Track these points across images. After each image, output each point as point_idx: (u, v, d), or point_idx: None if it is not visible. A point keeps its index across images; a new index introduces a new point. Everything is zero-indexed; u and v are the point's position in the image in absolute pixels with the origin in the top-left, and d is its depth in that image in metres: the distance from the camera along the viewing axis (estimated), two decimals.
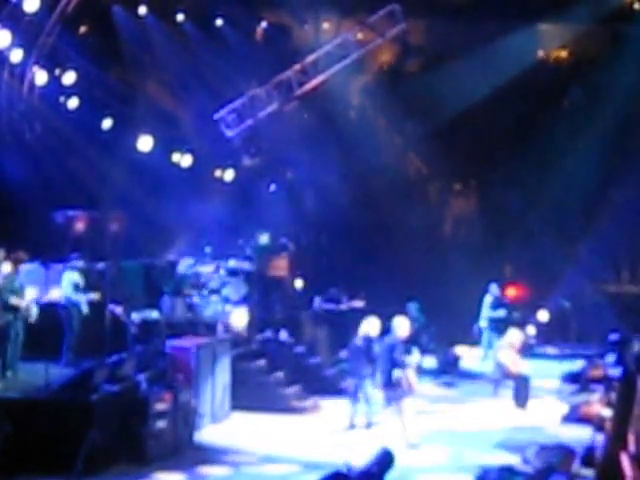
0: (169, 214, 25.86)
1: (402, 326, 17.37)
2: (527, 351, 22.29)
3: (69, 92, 24.13)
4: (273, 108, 28.70)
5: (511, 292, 28.29)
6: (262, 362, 20.98)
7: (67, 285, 18.82)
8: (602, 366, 20.45)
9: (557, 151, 29.83)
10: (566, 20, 29.91)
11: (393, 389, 17.07)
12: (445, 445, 17.38)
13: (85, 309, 18.80)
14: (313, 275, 26.24)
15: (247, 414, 19.54)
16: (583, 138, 29.08)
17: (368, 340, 18.47)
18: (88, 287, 19.01)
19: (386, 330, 17.80)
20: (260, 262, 23.99)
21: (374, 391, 18.45)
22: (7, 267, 17.54)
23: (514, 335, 21.22)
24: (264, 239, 24.37)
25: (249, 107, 28.52)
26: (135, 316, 19.70)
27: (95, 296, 18.89)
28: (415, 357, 17.44)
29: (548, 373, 23.44)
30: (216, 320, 20.79)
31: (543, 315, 27.37)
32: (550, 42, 31.90)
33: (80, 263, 19.17)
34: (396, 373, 16.99)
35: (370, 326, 18.65)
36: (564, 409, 19.55)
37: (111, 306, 18.56)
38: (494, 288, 25.36)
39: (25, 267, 18.83)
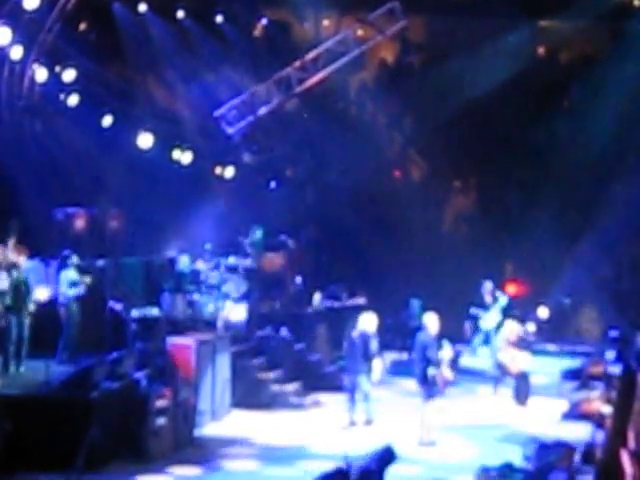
0: (169, 211, 25.84)
1: (433, 322, 17.39)
2: (527, 348, 22.25)
3: (69, 89, 24.09)
4: (273, 105, 28.66)
5: (511, 289, 28.28)
6: (262, 359, 21.00)
7: (64, 283, 18.81)
8: (602, 363, 20.46)
9: (557, 148, 29.80)
10: (566, 17, 29.86)
11: (428, 387, 17.13)
12: (445, 442, 17.39)
13: (81, 291, 18.77)
14: (313, 272, 26.23)
15: (247, 411, 19.56)
16: (583, 136, 29.05)
17: (365, 336, 18.46)
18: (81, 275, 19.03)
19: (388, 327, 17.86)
20: (260, 259, 24.00)
21: (370, 387, 18.46)
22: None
23: (509, 328, 21.22)
24: (258, 234, 24.37)
25: (249, 104, 28.48)
26: (135, 313, 19.69)
27: (87, 280, 18.85)
28: (447, 352, 17.47)
29: (548, 370, 23.45)
30: (216, 317, 20.79)
31: (543, 312, 27.35)
32: (550, 39, 31.86)
33: (74, 259, 19.08)
34: (430, 371, 17.04)
35: (367, 322, 18.64)
36: (564, 406, 19.55)
37: (111, 303, 18.56)
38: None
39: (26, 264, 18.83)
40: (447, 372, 17.36)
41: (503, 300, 24.52)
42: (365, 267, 28.84)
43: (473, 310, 24.49)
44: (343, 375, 19.87)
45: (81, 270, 19.07)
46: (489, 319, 24.36)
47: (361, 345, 18.38)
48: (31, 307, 17.83)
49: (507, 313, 23.66)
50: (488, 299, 24.99)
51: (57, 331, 18.60)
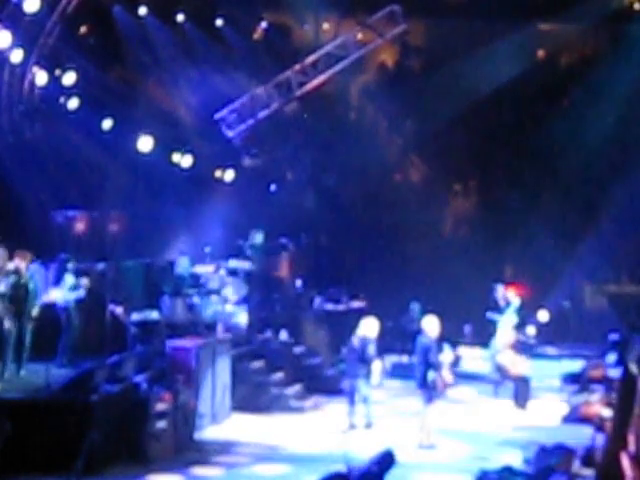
0: (169, 214, 25.86)
1: (433, 326, 17.38)
2: (527, 351, 22.25)
3: (69, 92, 24.12)
4: (273, 108, 28.70)
5: (511, 292, 28.22)
6: (262, 362, 20.98)
7: (65, 288, 18.81)
8: (602, 366, 20.47)
9: (557, 151, 29.82)
10: (566, 20, 29.90)
11: (428, 390, 17.13)
12: (445, 445, 17.38)
13: (82, 294, 18.76)
14: (313, 275, 26.23)
15: (247, 414, 19.55)
16: (583, 138, 29.06)
17: (364, 340, 18.44)
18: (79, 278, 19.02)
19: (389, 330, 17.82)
20: (260, 262, 24.00)
21: (369, 391, 18.43)
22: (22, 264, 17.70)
23: (507, 335, 21.22)
24: (259, 238, 24.37)
25: (249, 107, 28.52)
26: (135, 316, 19.70)
27: (85, 282, 18.84)
28: (447, 355, 17.46)
29: (548, 373, 23.44)
30: (216, 320, 20.79)
31: (543, 315, 27.34)
32: (550, 42, 31.89)
33: (71, 264, 19.10)
34: (431, 375, 17.04)
35: (368, 327, 18.63)
36: (564, 409, 19.55)
37: (111, 306, 18.56)
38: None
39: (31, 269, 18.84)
40: (447, 375, 17.36)
41: (516, 302, 24.35)
42: (365, 270, 28.84)
43: (489, 314, 24.21)
44: (343, 378, 19.85)
45: (78, 273, 19.07)
46: (506, 322, 24.12)
47: (360, 349, 18.37)
48: (34, 312, 17.83)
49: (521, 314, 23.61)
50: (502, 302, 24.73)
51: (57, 334, 18.60)
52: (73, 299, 18.70)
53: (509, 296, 24.29)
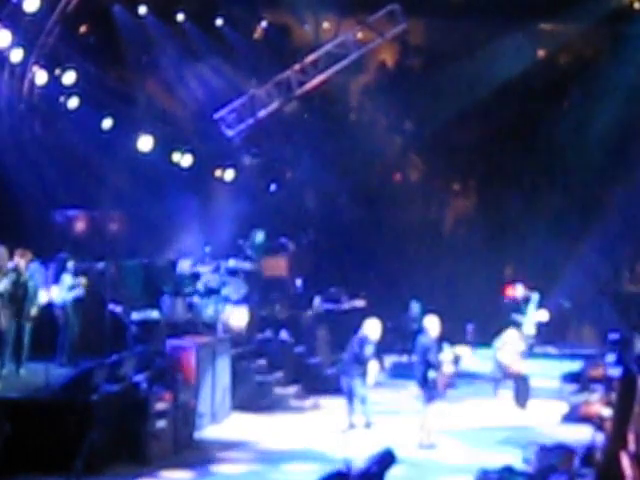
0: (169, 214, 25.85)
1: (434, 326, 17.37)
2: (527, 351, 22.24)
3: (69, 92, 24.11)
4: (273, 108, 28.70)
5: (511, 292, 28.22)
6: (262, 362, 20.99)
7: (63, 287, 18.80)
8: (602, 366, 20.42)
9: (557, 151, 29.82)
10: (566, 20, 29.90)
11: (428, 390, 17.13)
12: (445, 445, 17.38)
13: (81, 293, 18.76)
14: (313, 275, 26.22)
15: (247, 413, 19.55)
16: (583, 138, 29.06)
17: (363, 340, 18.43)
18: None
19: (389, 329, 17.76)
20: (259, 262, 24.01)
21: (366, 391, 18.41)
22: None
23: (512, 335, 21.22)
24: (259, 237, 24.36)
25: (249, 107, 28.51)
26: (135, 316, 19.70)
27: (83, 281, 18.83)
28: (447, 354, 17.46)
29: (548, 373, 23.42)
30: (216, 320, 20.78)
31: (543, 315, 27.32)
32: (550, 42, 31.88)
33: (70, 265, 19.11)
34: (431, 374, 17.04)
35: (370, 327, 18.61)
36: (564, 409, 19.54)
37: (111, 306, 18.56)
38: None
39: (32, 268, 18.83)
40: (448, 367, 17.37)
41: (535, 298, 24.30)
42: (365, 270, 28.83)
43: (513, 316, 24.10)
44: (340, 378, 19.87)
45: (77, 272, 19.06)
46: (529, 322, 24.02)
47: (357, 349, 18.36)
48: (33, 311, 17.82)
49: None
50: (522, 301, 24.61)
51: (57, 334, 18.62)
52: (71, 298, 18.70)
53: (526, 293, 24.32)
